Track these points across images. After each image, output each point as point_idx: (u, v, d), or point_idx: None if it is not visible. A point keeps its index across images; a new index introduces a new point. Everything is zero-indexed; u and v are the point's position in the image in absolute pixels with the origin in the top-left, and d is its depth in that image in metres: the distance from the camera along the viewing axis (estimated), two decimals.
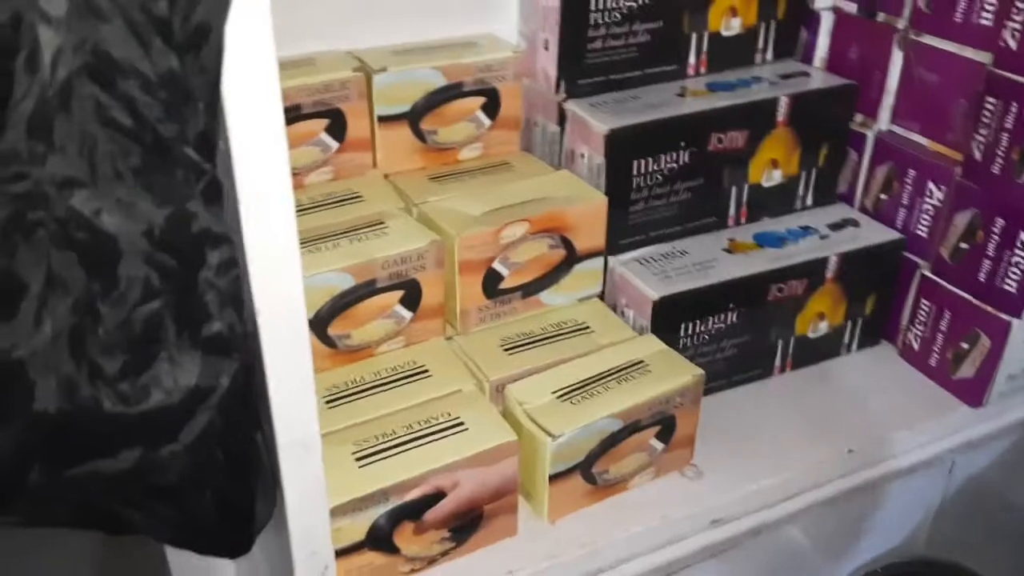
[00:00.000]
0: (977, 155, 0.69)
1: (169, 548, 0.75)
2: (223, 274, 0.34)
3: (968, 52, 0.68)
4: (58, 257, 0.30)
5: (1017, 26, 0.64)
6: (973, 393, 0.73)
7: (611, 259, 0.74)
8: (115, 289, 0.31)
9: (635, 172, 0.72)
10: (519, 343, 0.69)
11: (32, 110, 0.28)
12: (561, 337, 0.70)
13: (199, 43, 0.30)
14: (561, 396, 0.64)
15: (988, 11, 0.66)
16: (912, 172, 0.75)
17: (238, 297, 0.35)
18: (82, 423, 0.33)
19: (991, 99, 0.66)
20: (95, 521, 0.46)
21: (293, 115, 0.69)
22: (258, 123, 0.36)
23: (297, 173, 0.71)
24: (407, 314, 0.67)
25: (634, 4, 0.74)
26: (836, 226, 0.78)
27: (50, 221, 0.30)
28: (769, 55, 0.81)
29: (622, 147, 0.71)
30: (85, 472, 0.35)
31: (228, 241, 0.34)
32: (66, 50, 0.27)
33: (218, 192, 0.33)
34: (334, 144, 0.72)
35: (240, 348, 0.36)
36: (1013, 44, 0.65)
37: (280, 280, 0.41)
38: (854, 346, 0.81)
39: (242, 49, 0.35)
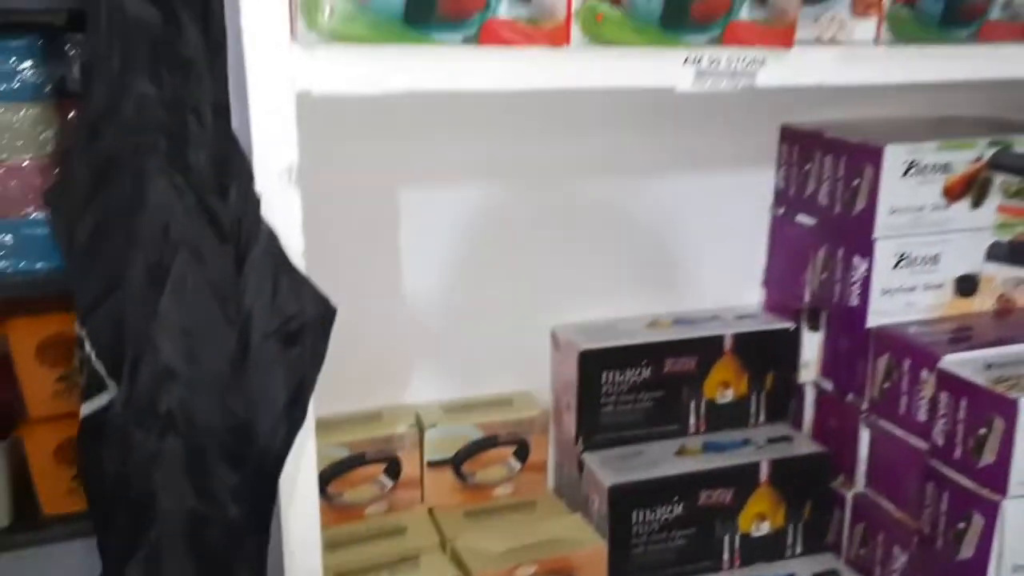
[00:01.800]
0: (927, 529, 0.79)
1: None
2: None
3: (912, 439, 0.82)
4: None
5: (941, 426, 0.78)
6: None
7: None
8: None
9: (634, 521, 0.86)
10: None
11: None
12: None
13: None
14: None
15: (922, 408, 0.80)
16: (881, 535, 0.86)
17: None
18: None
19: (929, 484, 0.78)
20: None
21: (360, 461, 0.88)
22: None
23: (359, 506, 0.89)
24: None
25: (638, 379, 0.92)
26: (821, 575, 0.89)
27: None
28: (762, 418, 0.96)
29: (623, 502, 0.85)
30: None
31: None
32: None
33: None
34: (390, 483, 0.89)
35: None
36: (940, 440, 0.78)
37: None
38: None
39: None
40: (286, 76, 0.50)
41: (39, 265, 1.37)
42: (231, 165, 0.51)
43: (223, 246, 0.49)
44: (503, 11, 0.53)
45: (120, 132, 0.47)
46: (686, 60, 0.58)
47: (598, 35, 0.55)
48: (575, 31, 0.55)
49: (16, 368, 1.23)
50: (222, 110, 0.52)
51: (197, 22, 0.48)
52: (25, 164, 1.46)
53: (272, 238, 0.50)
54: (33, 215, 1.43)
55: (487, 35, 0.53)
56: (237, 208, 0.50)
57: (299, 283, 0.50)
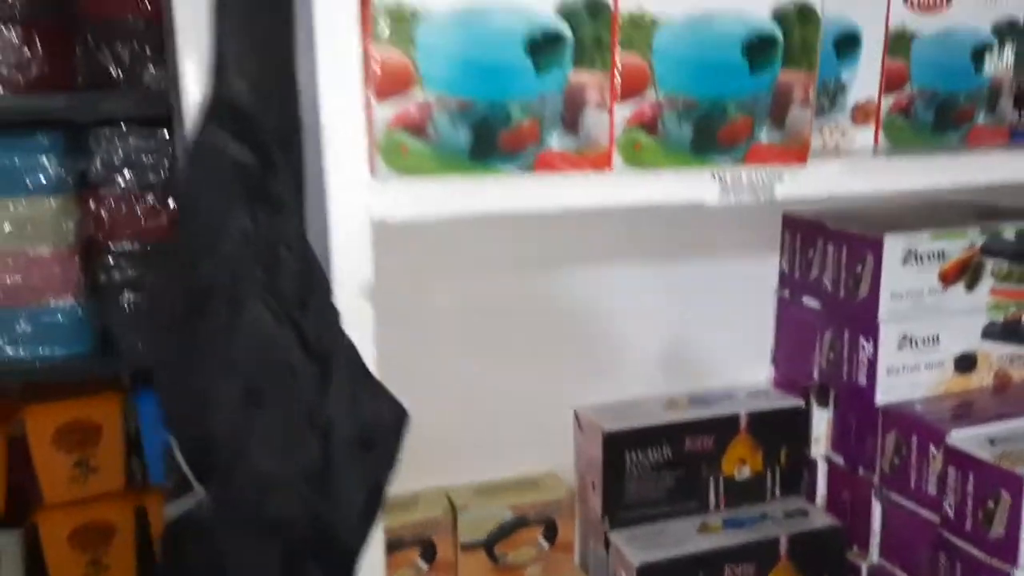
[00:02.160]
0: None
1: None
2: None
3: (924, 511, 0.86)
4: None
5: (950, 499, 0.83)
6: None
7: None
8: None
9: None
10: None
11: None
12: None
13: None
14: None
15: (932, 482, 0.85)
16: None
17: None
18: None
19: (942, 554, 0.83)
20: None
21: (398, 545, 0.91)
22: None
23: None
24: None
25: (660, 458, 0.96)
26: None
27: None
28: (778, 493, 1.01)
29: None
30: None
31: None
32: None
33: None
34: (425, 567, 0.93)
35: None
36: (951, 513, 0.83)
37: None
38: None
39: None
40: (365, 207, 0.55)
41: (57, 352, 1.41)
42: (313, 282, 0.56)
43: (310, 359, 0.54)
44: (554, 143, 0.59)
45: (218, 265, 0.52)
46: (713, 178, 0.64)
47: (637, 160, 0.62)
48: (616, 158, 0.61)
49: (33, 453, 1.25)
50: (303, 233, 0.57)
51: (286, 161, 0.54)
52: (47, 255, 1.51)
53: (352, 349, 0.55)
54: (52, 303, 1.47)
55: (541, 164, 0.59)
56: (319, 322, 0.55)
57: (376, 391, 0.55)
